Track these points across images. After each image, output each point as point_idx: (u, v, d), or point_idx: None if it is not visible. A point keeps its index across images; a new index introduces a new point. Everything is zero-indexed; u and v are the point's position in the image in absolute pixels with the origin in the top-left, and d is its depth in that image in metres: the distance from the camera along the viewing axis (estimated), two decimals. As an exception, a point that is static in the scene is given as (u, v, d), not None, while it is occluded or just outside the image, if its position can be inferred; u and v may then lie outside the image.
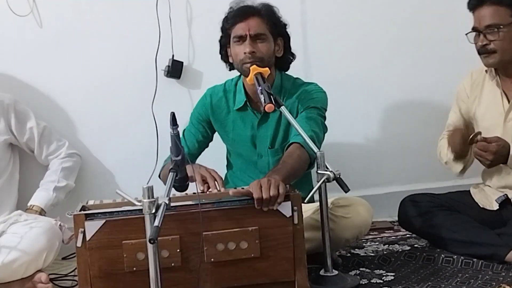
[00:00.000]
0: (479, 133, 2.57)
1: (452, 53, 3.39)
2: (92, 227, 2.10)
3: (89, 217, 2.13)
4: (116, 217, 2.14)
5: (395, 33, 3.39)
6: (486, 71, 2.78)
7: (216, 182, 2.39)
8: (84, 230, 2.10)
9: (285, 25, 2.70)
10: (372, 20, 3.37)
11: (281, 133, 2.69)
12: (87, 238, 2.10)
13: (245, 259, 2.17)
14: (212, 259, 2.15)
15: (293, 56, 2.76)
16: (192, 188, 2.30)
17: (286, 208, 2.18)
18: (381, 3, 3.37)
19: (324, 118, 2.66)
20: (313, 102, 2.64)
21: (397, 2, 3.38)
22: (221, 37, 2.71)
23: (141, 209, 1.94)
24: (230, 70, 2.76)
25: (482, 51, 2.65)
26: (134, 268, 2.11)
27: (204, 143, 2.81)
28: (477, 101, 2.79)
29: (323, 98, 2.69)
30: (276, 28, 2.65)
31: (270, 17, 2.63)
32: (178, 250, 2.13)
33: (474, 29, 2.67)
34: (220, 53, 2.74)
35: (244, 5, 2.64)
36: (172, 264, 2.13)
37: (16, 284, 2.58)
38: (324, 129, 2.65)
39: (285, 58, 2.73)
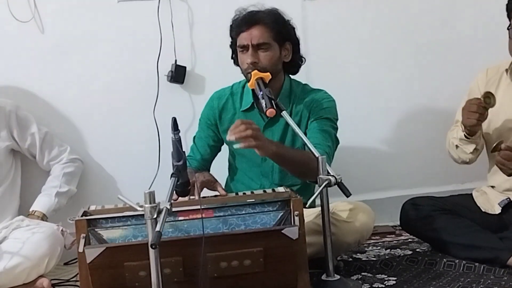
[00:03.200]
0: (502, 141, 2.54)
1: (454, 57, 3.40)
2: (92, 252, 2.05)
3: (91, 223, 2.13)
4: (117, 229, 2.14)
5: (397, 37, 3.39)
6: (506, 70, 2.74)
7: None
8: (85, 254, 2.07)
9: (293, 28, 2.69)
10: (374, 25, 3.37)
11: (289, 138, 2.69)
12: (88, 261, 2.05)
13: (248, 273, 2.14)
14: (215, 274, 2.11)
15: (301, 59, 2.75)
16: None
17: (292, 232, 2.13)
18: (383, 8, 3.37)
19: (336, 129, 2.66)
20: (325, 113, 2.63)
21: (399, 6, 3.38)
22: (231, 43, 2.72)
23: (143, 214, 1.94)
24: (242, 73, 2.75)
25: None
26: (136, 284, 2.08)
27: (216, 147, 2.82)
28: None
29: (334, 108, 2.68)
30: (282, 33, 2.63)
31: (275, 23, 2.61)
32: (180, 269, 2.09)
33: None
34: (232, 57, 2.74)
35: (248, 12, 2.63)
36: (175, 280, 2.10)
37: (18, 289, 2.59)
38: (336, 142, 2.65)
39: (294, 62, 2.72)
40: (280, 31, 2.63)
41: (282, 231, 2.12)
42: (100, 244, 2.14)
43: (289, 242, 2.13)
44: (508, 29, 2.62)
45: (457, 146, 2.74)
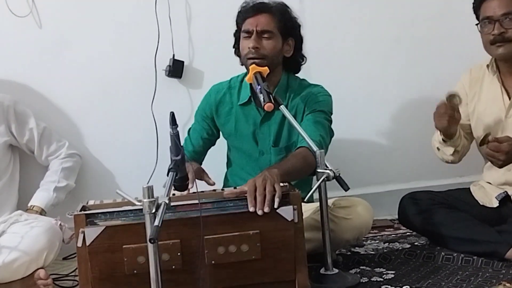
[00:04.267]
0: (489, 133, 2.56)
1: (451, 50, 3.39)
2: (92, 232, 2.08)
3: (89, 217, 2.13)
4: (116, 220, 2.14)
5: (394, 31, 3.39)
6: (487, 66, 2.77)
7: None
8: (84, 236, 2.09)
9: (298, 26, 2.71)
10: (371, 19, 3.37)
11: (285, 132, 2.69)
12: (87, 243, 2.08)
13: (246, 261, 2.16)
14: (213, 261, 2.13)
15: (303, 58, 2.76)
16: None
17: (287, 212, 2.15)
18: (380, 2, 3.36)
19: (331, 122, 2.66)
20: (319, 106, 2.64)
21: (396, 1, 3.38)
22: (236, 31, 2.73)
23: (141, 209, 1.94)
24: (242, 64, 2.75)
25: (498, 40, 2.62)
26: (135, 271, 2.10)
27: (209, 141, 2.82)
28: (476, 97, 2.78)
29: (329, 102, 2.69)
30: (287, 27, 2.65)
31: (282, 16, 2.64)
32: (178, 254, 2.11)
33: (488, 18, 2.63)
34: (234, 47, 2.75)
35: (256, 1, 2.65)
36: (173, 267, 2.11)
37: (17, 284, 2.58)
38: (331, 133, 2.64)
39: (295, 59, 2.73)
40: (286, 24, 2.65)
41: (277, 211, 2.13)
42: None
43: (285, 224, 2.14)
44: (476, 25, 2.68)
45: (438, 149, 2.77)
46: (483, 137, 2.55)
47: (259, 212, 2.09)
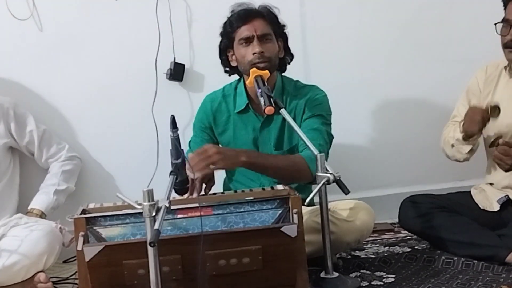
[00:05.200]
0: (500, 137, 2.55)
1: (452, 54, 3.39)
2: (91, 251, 2.05)
3: (89, 221, 2.13)
4: (116, 227, 2.14)
5: (395, 35, 3.39)
6: (505, 67, 2.74)
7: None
8: (83, 251, 2.06)
9: (283, 26, 2.72)
10: (372, 23, 3.37)
11: (287, 135, 2.69)
12: (86, 260, 2.05)
13: (247, 271, 2.13)
14: (214, 272, 2.11)
15: (291, 57, 2.77)
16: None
17: (291, 230, 2.12)
18: (381, 5, 3.36)
19: (330, 124, 2.66)
20: (318, 109, 2.64)
21: (397, 4, 3.38)
22: (221, 41, 2.71)
23: (141, 212, 1.94)
24: (230, 75, 2.76)
25: (510, 45, 2.60)
26: (135, 282, 2.07)
27: None
28: (490, 97, 2.75)
29: (326, 103, 2.69)
30: (278, 28, 2.67)
31: (272, 18, 2.65)
32: (179, 267, 2.08)
33: (506, 21, 2.61)
34: (221, 58, 2.74)
35: (246, 8, 2.65)
36: (174, 278, 2.09)
37: (17, 287, 2.59)
38: (330, 137, 2.64)
39: (284, 59, 2.74)
40: (277, 25, 2.67)
41: (281, 229, 2.11)
42: (99, 242, 2.14)
43: (287, 240, 2.12)
44: (495, 24, 2.65)
45: (452, 145, 2.75)
46: (494, 139, 2.55)
47: (190, 175, 2.21)
